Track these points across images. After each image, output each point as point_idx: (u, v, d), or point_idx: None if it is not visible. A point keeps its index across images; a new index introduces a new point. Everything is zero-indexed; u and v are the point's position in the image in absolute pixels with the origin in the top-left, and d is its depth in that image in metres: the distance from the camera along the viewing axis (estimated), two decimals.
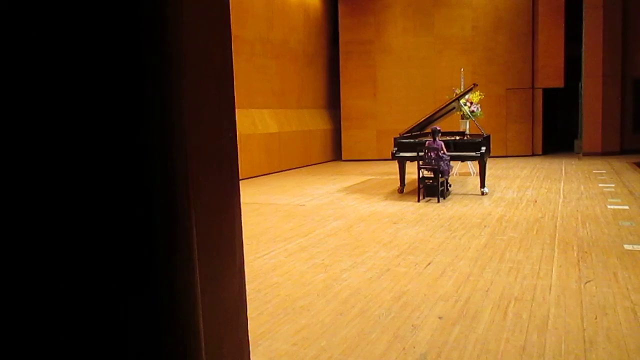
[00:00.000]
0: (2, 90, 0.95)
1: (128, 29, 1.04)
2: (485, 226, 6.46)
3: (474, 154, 8.81)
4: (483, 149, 8.69)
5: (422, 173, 8.51)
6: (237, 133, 1.68)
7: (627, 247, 5.29)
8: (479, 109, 10.85)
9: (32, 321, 0.97)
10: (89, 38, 0.99)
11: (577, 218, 6.75)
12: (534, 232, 6.09)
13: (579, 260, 4.88)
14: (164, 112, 1.12)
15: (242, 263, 1.62)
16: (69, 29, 0.98)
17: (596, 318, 3.54)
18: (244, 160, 11.53)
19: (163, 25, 1.13)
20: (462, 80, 12.18)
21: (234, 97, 1.63)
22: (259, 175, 12.59)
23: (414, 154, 8.76)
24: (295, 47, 14.46)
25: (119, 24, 1.02)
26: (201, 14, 1.51)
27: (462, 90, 10.83)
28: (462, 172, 11.75)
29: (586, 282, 4.26)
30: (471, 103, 10.74)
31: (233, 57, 1.64)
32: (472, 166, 11.48)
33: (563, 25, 14.97)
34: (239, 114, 11.27)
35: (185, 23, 1.32)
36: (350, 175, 12.26)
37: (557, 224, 6.43)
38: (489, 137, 9.26)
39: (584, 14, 14.70)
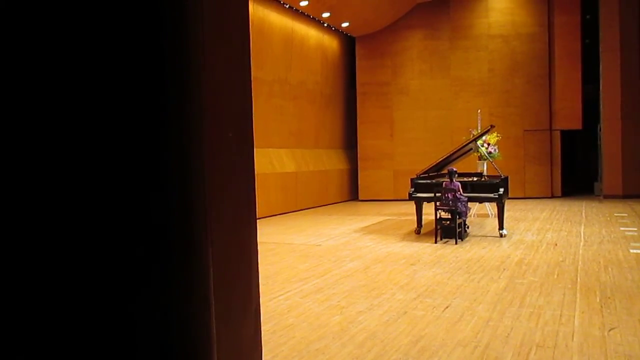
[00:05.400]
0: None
1: (150, 72, 1.07)
2: (504, 269, 6.34)
3: (492, 195, 8.74)
4: (501, 190, 8.62)
5: (440, 214, 8.44)
6: (254, 172, 1.69)
7: None
8: (497, 150, 10.81)
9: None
10: (114, 79, 1.02)
11: (599, 262, 6.60)
12: (555, 276, 5.95)
13: (602, 307, 4.74)
14: (182, 154, 1.14)
15: (258, 304, 1.60)
16: (101, 75, 1.01)
17: None
18: (261, 200, 11.56)
19: (184, 70, 1.15)
20: (479, 121, 12.20)
21: (252, 137, 1.65)
22: (276, 215, 12.59)
23: (431, 194, 8.71)
24: (312, 88, 14.68)
25: (144, 66, 1.05)
26: (222, 56, 1.55)
27: (479, 131, 10.84)
28: (480, 214, 11.63)
29: (610, 330, 4.13)
30: (488, 144, 10.72)
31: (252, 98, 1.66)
32: (490, 208, 11.36)
33: (580, 68, 15.03)
34: (256, 154, 11.40)
35: (207, 66, 1.35)
36: (367, 216, 12.20)
37: (579, 268, 6.29)
38: (506, 178, 9.20)
39: (600, 57, 14.76)
